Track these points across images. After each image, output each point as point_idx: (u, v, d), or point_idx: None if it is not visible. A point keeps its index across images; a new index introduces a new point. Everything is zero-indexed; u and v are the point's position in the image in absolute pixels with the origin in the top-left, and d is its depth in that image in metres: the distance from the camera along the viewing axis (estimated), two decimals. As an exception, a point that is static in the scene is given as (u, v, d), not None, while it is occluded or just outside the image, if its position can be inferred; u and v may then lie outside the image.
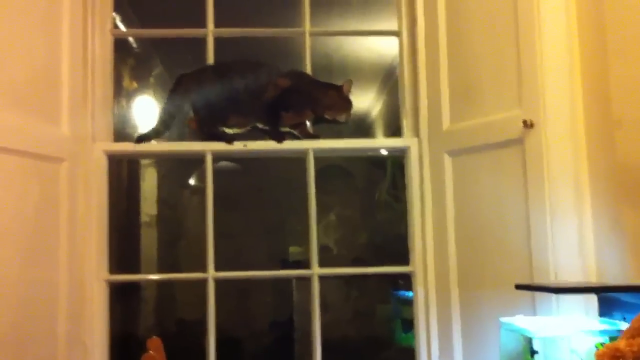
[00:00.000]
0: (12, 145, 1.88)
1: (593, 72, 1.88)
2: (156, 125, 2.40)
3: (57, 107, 2.12)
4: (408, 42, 2.45)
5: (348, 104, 2.38)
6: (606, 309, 1.67)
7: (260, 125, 2.38)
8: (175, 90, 2.39)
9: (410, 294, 2.38)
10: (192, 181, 5.77)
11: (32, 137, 1.99)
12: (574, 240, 1.85)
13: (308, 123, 2.43)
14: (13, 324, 1.88)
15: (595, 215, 1.84)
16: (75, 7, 2.20)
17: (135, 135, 2.40)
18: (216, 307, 2.29)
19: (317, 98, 2.37)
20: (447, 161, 2.24)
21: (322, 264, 2.36)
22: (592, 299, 1.76)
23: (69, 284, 2.11)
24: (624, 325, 1.54)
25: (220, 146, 2.34)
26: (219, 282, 2.31)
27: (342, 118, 2.38)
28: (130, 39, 3.15)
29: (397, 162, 2.64)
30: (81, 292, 2.19)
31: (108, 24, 2.39)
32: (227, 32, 2.49)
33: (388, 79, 4.75)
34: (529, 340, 1.58)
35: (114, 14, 2.44)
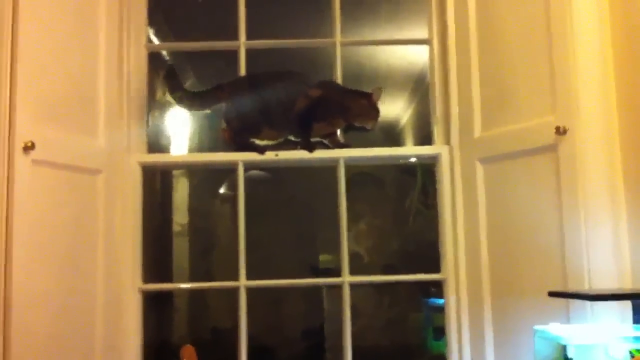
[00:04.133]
0: (51, 158, 1.93)
1: (627, 78, 1.87)
2: (186, 93, 2.40)
3: (94, 120, 2.17)
4: (439, 50, 2.45)
5: (376, 112, 2.38)
6: (641, 315, 1.66)
7: (292, 138, 2.41)
8: (211, 91, 2.40)
9: (442, 301, 2.38)
10: (223, 190, 5.81)
11: (70, 149, 2.04)
12: (608, 246, 1.83)
13: (339, 132, 2.45)
14: (51, 333, 1.92)
15: (631, 221, 1.82)
16: (110, 22, 2.26)
17: (169, 68, 2.42)
18: (248, 315, 2.31)
19: (348, 106, 2.38)
20: (479, 168, 2.24)
21: (352, 271, 2.37)
22: (627, 306, 1.74)
23: (105, 294, 2.15)
24: (660, 333, 1.53)
25: (252, 156, 2.36)
26: (250, 291, 2.33)
27: (369, 125, 2.39)
28: (164, 51, 3.20)
29: (428, 169, 2.64)
30: (117, 301, 2.23)
31: (143, 38, 2.45)
32: (259, 44, 2.52)
33: (419, 86, 4.74)
34: (564, 348, 1.57)
35: (148, 27, 2.49)
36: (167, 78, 2.40)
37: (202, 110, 2.48)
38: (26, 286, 1.80)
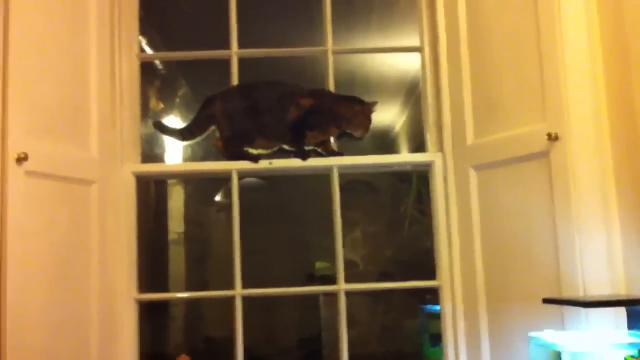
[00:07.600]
0: (44, 169, 1.93)
1: (617, 84, 1.87)
2: (177, 131, 2.48)
3: (86, 131, 2.17)
4: (430, 58, 2.46)
5: (368, 121, 2.39)
6: (635, 321, 1.66)
7: (285, 147, 2.41)
8: (202, 111, 2.44)
9: (438, 308, 2.38)
10: (218, 199, 5.80)
11: (63, 160, 2.04)
12: (602, 253, 1.84)
13: (332, 140, 2.45)
14: (46, 346, 1.91)
15: (624, 227, 1.83)
16: (102, 32, 2.26)
17: (156, 120, 2.50)
18: (244, 324, 2.31)
19: (341, 113, 2.39)
20: (472, 175, 2.24)
21: (348, 279, 2.36)
22: (621, 312, 1.74)
23: (100, 304, 2.15)
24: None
25: (246, 165, 2.37)
26: (246, 299, 2.33)
27: (358, 133, 2.41)
28: (156, 61, 3.18)
29: (422, 176, 2.64)
30: (112, 311, 2.22)
31: (134, 48, 2.45)
32: (251, 52, 2.52)
33: (411, 94, 4.75)
34: (558, 355, 1.58)
35: (140, 37, 2.49)
36: (162, 131, 2.50)
37: (203, 132, 2.47)
38: (20, 299, 1.80)
